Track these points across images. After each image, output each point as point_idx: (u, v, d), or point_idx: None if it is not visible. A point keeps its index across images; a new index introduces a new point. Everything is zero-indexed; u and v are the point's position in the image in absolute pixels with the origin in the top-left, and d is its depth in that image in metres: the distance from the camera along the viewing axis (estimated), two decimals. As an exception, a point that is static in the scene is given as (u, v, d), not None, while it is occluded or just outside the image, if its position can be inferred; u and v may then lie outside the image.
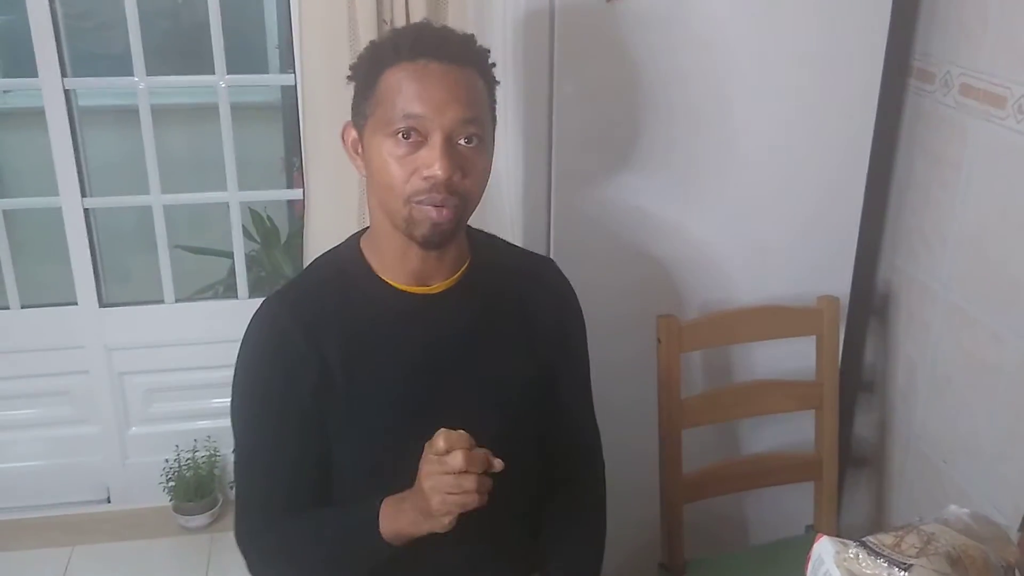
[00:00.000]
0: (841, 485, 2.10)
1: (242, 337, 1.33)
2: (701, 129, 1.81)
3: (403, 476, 1.33)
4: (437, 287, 1.34)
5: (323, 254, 1.41)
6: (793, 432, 1.95)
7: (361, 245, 1.36)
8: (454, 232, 1.26)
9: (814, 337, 1.85)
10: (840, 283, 1.95)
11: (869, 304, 2.04)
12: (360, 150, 1.30)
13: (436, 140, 1.20)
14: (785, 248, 1.92)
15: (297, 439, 1.31)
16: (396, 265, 1.32)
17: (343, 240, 1.42)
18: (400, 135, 1.20)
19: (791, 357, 1.90)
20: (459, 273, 1.36)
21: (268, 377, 1.31)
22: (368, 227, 1.37)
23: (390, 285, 1.32)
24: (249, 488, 1.36)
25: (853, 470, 2.18)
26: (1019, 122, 1.62)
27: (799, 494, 1.93)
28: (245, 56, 3.40)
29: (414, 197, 1.21)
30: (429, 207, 1.21)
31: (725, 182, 1.86)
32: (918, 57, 1.93)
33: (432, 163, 1.19)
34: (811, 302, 1.86)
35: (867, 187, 1.92)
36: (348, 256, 1.36)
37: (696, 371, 1.96)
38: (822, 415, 1.85)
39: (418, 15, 1.86)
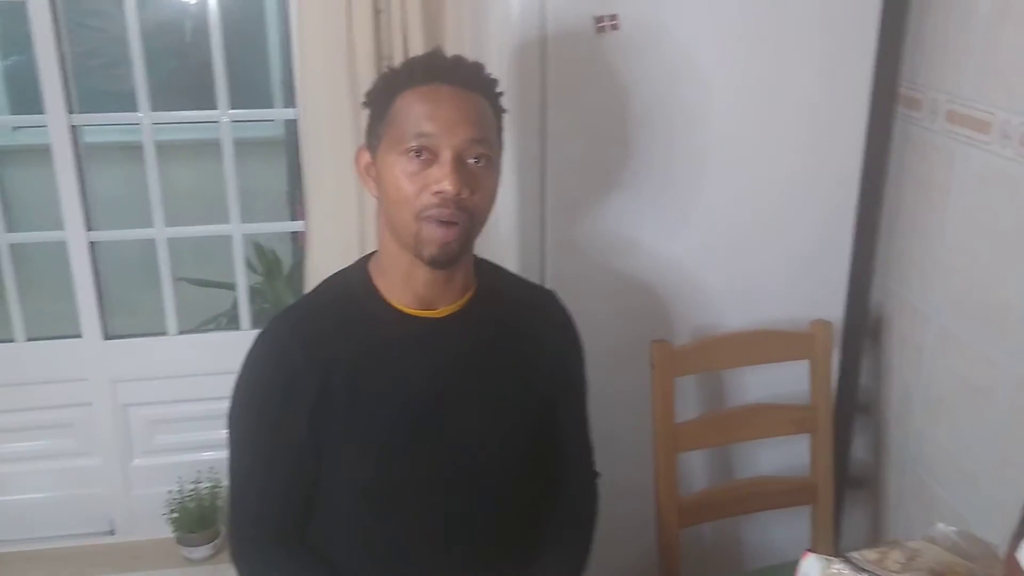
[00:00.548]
0: (839, 508, 2.11)
1: (246, 353, 1.36)
2: (692, 157, 1.84)
3: (401, 497, 1.36)
4: (442, 311, 1.37)
5: (331, 276, 1.44)
6: (790, 456, 1.95)
7: (369, 268, 1.39)
8: (460, 252, 1.29)
9: (808, 361, 1.86)
10: (834, 307, 1.97)
11: (863, 327, 2.06)
12: (373, 173, 1.33)
13: (446, 157, 1.24)
14: (779, 273, 1.95)
15: (291, 455, 1.33)
16: (402, 288, 1.34)
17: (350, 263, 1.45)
18: (412, 153, 1.24)
19: (786, 381, 1.91)
20: (464, 299, 1.39)
21: (266, 393, 1.34)
22: (376, 251, 1.40)
23: (395, 308, 1.35)
24: (243, 499, 1.38)
25: (851, 493, 2.18)
26: (1003, 147, 1.64)
27: (797, 518, 1.94)
28: (249, 93, 3.46)
29: (424, 212, 1.25)
30: (436, 226, 1.24)
31: (718, 209, 1.89)
32: (905, 85, 1.96)
33: (442, 179, 1.23)
34: (805, 326, 1.88)
35: (858, 212, 1.95)
36: (355, 278, 1.39)
37: (691, 396, 1.97)
38: (817, 439, 1.86)
39: (416, 49, 1.90)
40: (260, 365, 1.35)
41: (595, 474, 1.57)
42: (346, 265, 1.45)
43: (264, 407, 1.34)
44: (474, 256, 1.42)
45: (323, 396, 1.31)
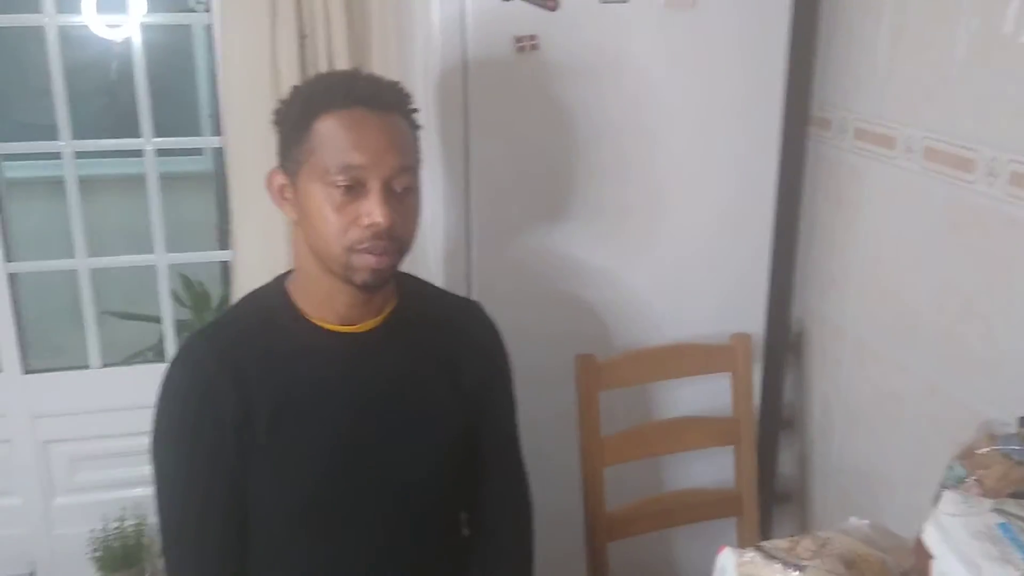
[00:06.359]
0: (768, 522, 2.13)
1: (163, 378, 1.32)
2: (613, 176, 1.88)
3: (329, 514, 1.33)
4: (364, 326, 1.35)
5: (246, 295, 1.41)
6: (717, 469, 1.98)
7: (287, 286, 1.37)
8: (391, 275, 1.30)
9: (730, 374, 1.90)
10: (754, 322, 2.01)
11: (784, 342, 2.11)
12: (288, 195, 1.30)
13: (375, 188, 1.22)
14: (701, 289, 1.99)
15: (225, 481, 1.29)
16: (323, 306, 1.33)
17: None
18: (341, 187, 1.21)
19: (712, 395, 1.94)
20: (385, 313, 1.38)
21: (192, 418, 1.29)
22: (292, 270, 1.38)
23: (316, 324, 1.33)
24: (179, 537, 1.33)
25: (779, 507, 2.22)
26: (908, 160, 1.71)
27: (726, 532, 1.95)
28: (177, 126, 3.43)
29: (356, 245, 1.23)
30: (369, 255, 1.23)
31: (640, 227, 1.92)
32: (816, 107, 2.03)
33: (373, 211, 1.21)
34: (727, 340, 1.91)
35: (775, 230, 2.00)
36: (273, 296, 1.37)
37: (619, 411, 1.98)
38: (741, 450, 1.89)
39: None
40: (182, 389, 1.30)
41: (528, 503, 1.55)
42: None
43: (192, 433, 1.29)
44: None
45: (247, 416, 1.27)
